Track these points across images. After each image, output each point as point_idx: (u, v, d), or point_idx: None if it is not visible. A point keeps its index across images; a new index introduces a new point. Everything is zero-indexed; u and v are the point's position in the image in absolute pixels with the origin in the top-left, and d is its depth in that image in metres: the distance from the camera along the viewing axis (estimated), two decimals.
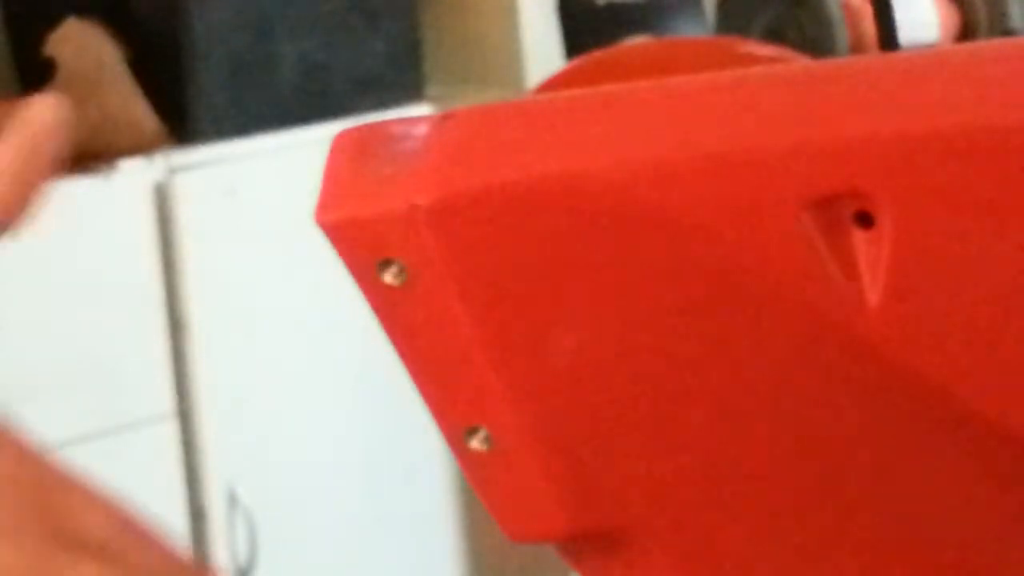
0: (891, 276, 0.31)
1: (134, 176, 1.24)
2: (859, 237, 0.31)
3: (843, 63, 0.34)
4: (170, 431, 1.35)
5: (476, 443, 0.35)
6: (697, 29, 1.59)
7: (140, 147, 1.22)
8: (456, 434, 0.36)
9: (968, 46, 0.33)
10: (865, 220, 0.31)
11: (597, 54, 0.55)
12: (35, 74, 1.23)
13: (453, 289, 0.33)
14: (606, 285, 0.33)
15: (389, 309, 0.34)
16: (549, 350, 0.34)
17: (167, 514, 1.23)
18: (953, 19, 1.40)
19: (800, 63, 0.48)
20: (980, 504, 0.34)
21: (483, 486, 0.36)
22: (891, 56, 0.35)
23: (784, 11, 1.35)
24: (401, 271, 0.33)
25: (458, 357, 0.34)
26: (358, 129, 0.36)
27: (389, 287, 0.33)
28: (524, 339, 0.33)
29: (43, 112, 0.32)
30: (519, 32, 1.53)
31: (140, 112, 1.22)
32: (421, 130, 0.35)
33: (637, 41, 1.44)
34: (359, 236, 0.33)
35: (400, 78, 1.45)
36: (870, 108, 0.31)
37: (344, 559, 1.47)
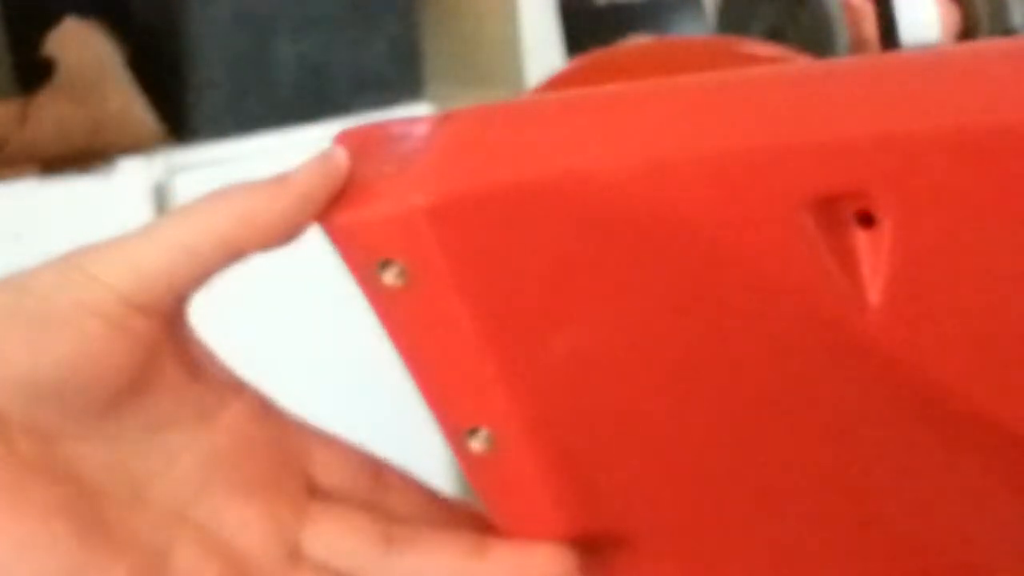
0: (892, 276, 0.31)
1: (133, 175, 1.23)
2: (860, 237, 0.31)
3: (844, 63, 0.34)
4: None
5: (477, 444, 0.35)
6: (697, 29, 1.59)
7: (139, 146, 1.22)
8: (457, 434, 0.36)
9: (969, 45, 0.33)
10: (866, 220, 0.31)
11: (597, 54, 0.55)
12: (34, 73, 1.23)
13: (454, 289, 0.33)
14: (606, 285, 0.33)
15: (390, 310, 0.34)
16: (550, 350, 0.34)
17: None
18: (954, 18, 1.40)
19: (800, 63, 0.48)
20: (981, 503, 0.34)
21: (484, 487, 0.36)
22: (892, 56, 0.35)
23: (784, 11, 1.34)
24: (402, 271, 0.33)
25: (459, 357, 0.34)
26: (358, 129, 0.36)
27: (390, 287, 0.33)
28: (525, 339, 0.33)
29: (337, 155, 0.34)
30: (519, 32, 1.53)
31: (139, 112, 1.22)
32: (421, 130, 0.35)
33: (637, 41, 1.44)
34: (359, 236, 0.33)
35: (400, 78, 1.45)
36: (871, 108, 0.31)
37: None
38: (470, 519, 0.37)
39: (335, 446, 0.37)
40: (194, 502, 0.34)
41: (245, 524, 0.34)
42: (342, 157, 0.33)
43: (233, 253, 0.33)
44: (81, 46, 1.20)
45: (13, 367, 0.31)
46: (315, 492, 0.36)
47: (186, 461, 0.34)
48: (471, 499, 0.38)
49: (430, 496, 0.37)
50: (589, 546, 0.36)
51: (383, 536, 0.35)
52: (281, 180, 0.33)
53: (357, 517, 0.35)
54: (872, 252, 0.31)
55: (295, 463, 0.36)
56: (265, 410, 0.36)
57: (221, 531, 0.34)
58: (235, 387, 0.36)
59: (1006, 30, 1.39)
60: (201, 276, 0.33)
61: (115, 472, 0.33)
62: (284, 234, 0.33)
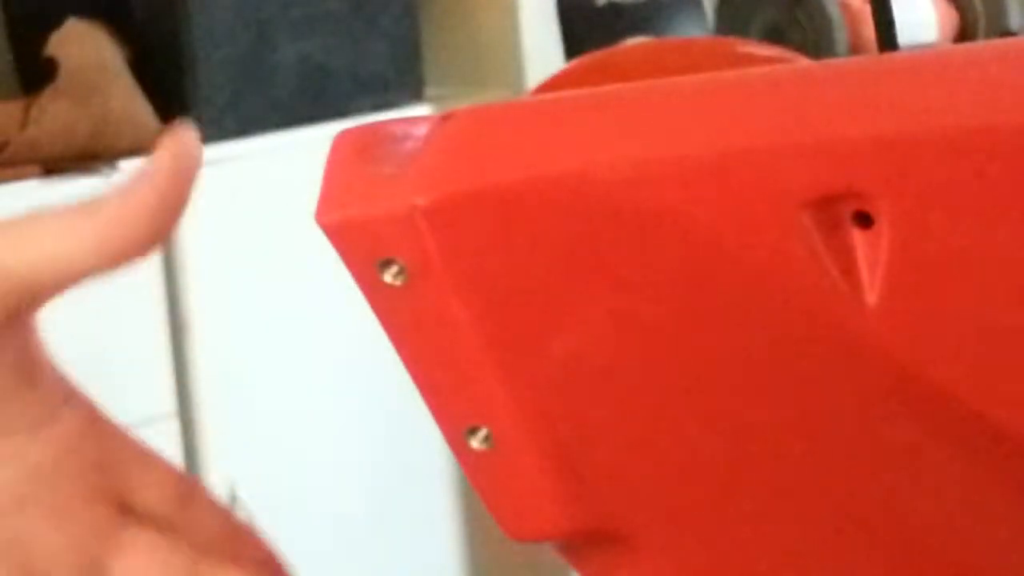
0: (889, 276, 0.31)
1: None
2: (858, 237, 0.31)
3: (843, 63, 0.34)
4: (170, 431, 1.35)
5: (477, 443, 0.35)
6: (697, 29, 1.59)
7: (141, 148, 1.22)
8: (457, 434, 0.36)
9: (967, 46, 0.33)
10: (864, 220, 0.31)
11: (597, 54, 0.55)
12: (36, 75, 1.23)
13: (453, 289, 0.33)
14: (605, 285, 0.33)
15: (390, 309, 0.34)
16: (549, 350, 0.34)
17: None
18: (951, 20, 1.40)
19: (800, 63, 0.48)
20: (980, 504, 0.34)
21: (483, 486, 0.36)
22: (890, 56, 0.35)
23: (784, 11, 1.35)
24: (401, 271, 0.33)
25: (459, 357, 0.34)
26: (358, 129, 0.36)
27: (389, 287, 0.33)
28: (524, 339, 0.34)
29: (187, 144, 0.33)
30: (519, 32, 1.53)
31: (141, 113, 1.22)
32: (421, 130, 0.35)
33: (637, 41, 1.44)
34: (359, 236, 0.33)
35: (400, 78, 1.45)
36: (869, 108, 0.31)
37: (345, 559, 1.47)
38: (265, 550, 0.36)
39: (151, 464, 0.35)
40: (8, 518, 0.32)
41: (56, 552, 0.33)
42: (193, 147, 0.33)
43: (39, 299, 0.32)
44: (83, 47, 1.20)
45: None
46: (128, 511, 0.34)
47: (7, 475, 0.32)
48: (471, 499, 0.38)
49: (231, 522, 0.36)
50: (588, 544, 0.37)
51: (188, 572, 0.34)
52: (90, 212, 0.32)
53: (165, 550, 0.34)
54: (869, 252, 0.31)
55: (113, 483, 0.34)
56: (92, 424, 0.35)
57: (31, 555, 0.32)
58: (68, 397, 0.34)
59: (1003, 32, 1.39)
60: (63, 286, 0.32)
61: None
62: (102, 271, 0.32)
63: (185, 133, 0.33)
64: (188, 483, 0.36)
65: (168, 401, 1.34)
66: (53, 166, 1.18)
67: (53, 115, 1.17)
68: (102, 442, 0.35)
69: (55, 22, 1.22)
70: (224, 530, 0.36)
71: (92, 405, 0.35)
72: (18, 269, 0.31)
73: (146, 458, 0.36)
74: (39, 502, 0.33)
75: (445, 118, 0.35)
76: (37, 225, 0.32)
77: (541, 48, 1.53)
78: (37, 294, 0.32)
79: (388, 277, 0.33)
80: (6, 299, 0.31)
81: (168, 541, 0.34)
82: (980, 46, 0.34)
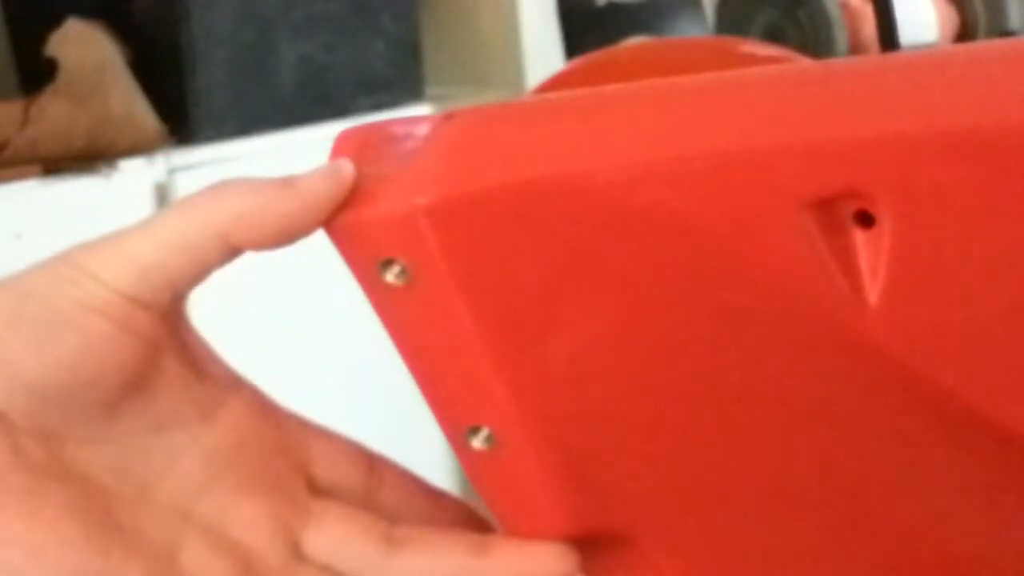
0: (891, 276, 0.31)
1: (135, 176, 1.23)
2: (859, 237, 0.31)
3: (843, 63, 0.34)
4: None
5: (478, 442, 0.35)
6: (697, 29, 1.59)
7: (141, 147, 1.22)
8: (458, 433, 0.36)
9: (968, 46, 0.33)
10: (865, 220, 0.31)
11: (597, 54, 0.55)
12: (36, 75, 1.23)
13: (455, 289, 0.33)
14: (606, 284, 0.33)
15: (391, 309, 0.34)
16: (551, 350, 0.34)
17: None
18: (952, 20, 1.40)
19: (800, 63, 0.48)
20: (981, 503, 0.34)
21: (485, 485, 0.36)
22: (891, 56, 0.35)
23: (784, 11, 1.35)
24: (403, 271, 0.33)
25: (460, 357, 0.34)
26: (359, 129, 0.36)
27: (391, 287, 0.33)
28: (526, 339, 0.34)
29: (342, 171, 0.34)
30: (519, 32, 1.53)
31: (141, 112, 1.22)
32: (422, 130, 0.35)
33: (637, 41, 1.44)
34: (360, 236, 0.33)
35: (400, 78, 1.45)
36: (870, 108, 0.31)
37: None
38: (462, 511, 0.37)
39: (331, 440, 0.37)
40: (199, 501, 0.34)
41: (251, 522, 0.34)
42: (349, 170, 0.33)
43: (231, 250, 0.33)
44: (83, 47, 1.20)
45: (18, 371, 0.31)
46: (314, 488, 0.36)
47: (189, 460, 0.34)
48: (473, 498, 0.38)
49: (423, 488, 0.37)
50: (590, 545, 0.37)
51: (384, 537, 0.35)
52: (287, 183, 0.33)
53: (359, 518, 0.35)
54: (871, 252, 0.31)
55: (295, 459, 0.36)
56: (263, 406, 0.36)
57: (228, 529, 0.34)
58: (234, 384, 0.36)
59: (1003, 32, 1.40)
60: (199, 272, 0.33)
61: (120, 473, 0.33)
62: (283, 237, 0.33)
63: (346, 166, 0.33)
64: (369, 454, 0.37)
65: None
66: (53, 166, 1.18)
67: (53, 115, 1.17)
68: (277, 422, 0.36)
69: (55, 22, 1.22)
70: (414, 495, 0.37)
71: (258, 390, 0.36)
72: (157, 259, 0.32)
73: (324, 434, 0.37)
74: (227, 481, 0.34)
75: (446, 118, 0.35)
76: (164, 216, 0.33)
77: (541, 48, 1.53)
78: (176, 284, 0.33)
79: (390, 277, 0.33)
80: (156, 293, 0.32)
81: (359, 511, 0.36)
82: (980, 46, 0.33)
